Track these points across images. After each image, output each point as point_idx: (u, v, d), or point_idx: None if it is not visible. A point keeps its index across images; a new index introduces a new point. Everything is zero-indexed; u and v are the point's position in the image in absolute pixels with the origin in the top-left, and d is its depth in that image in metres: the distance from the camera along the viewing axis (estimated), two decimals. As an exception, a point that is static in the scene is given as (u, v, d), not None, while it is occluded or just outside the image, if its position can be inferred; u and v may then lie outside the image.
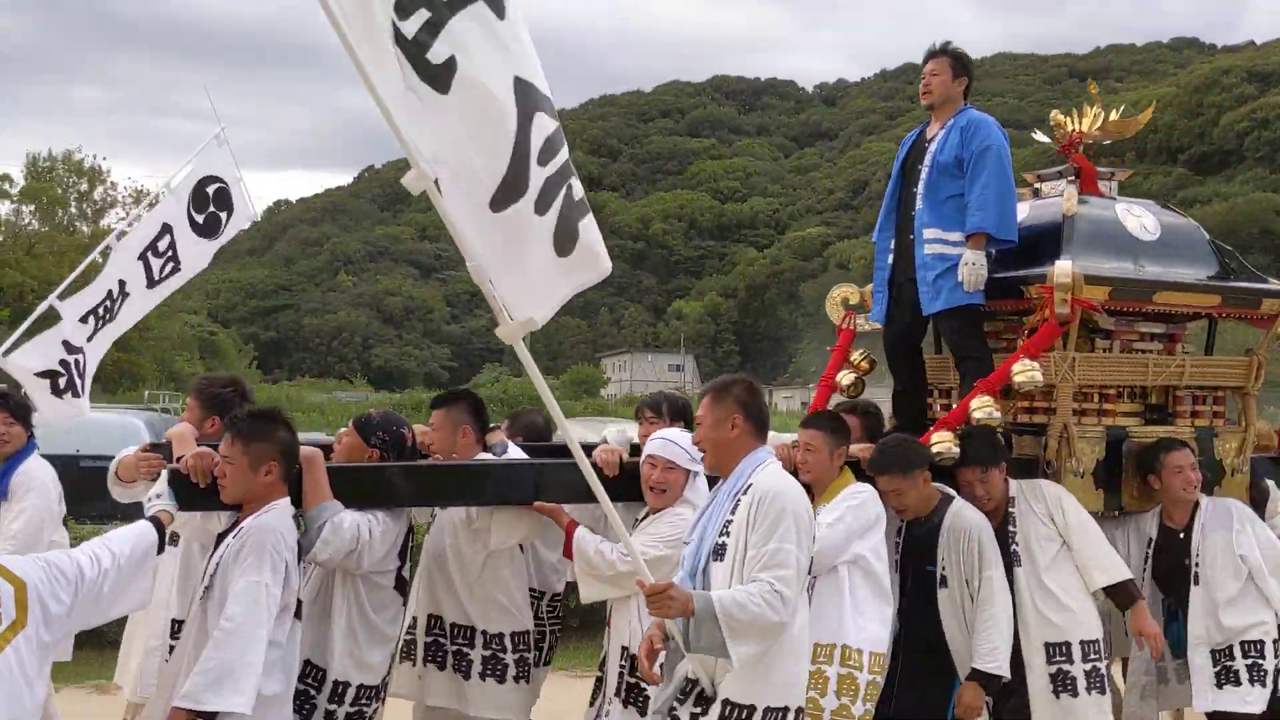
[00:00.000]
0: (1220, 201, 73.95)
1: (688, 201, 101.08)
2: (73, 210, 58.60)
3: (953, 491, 4.65)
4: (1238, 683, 4.90)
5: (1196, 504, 5.03)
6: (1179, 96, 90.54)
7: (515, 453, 4.67)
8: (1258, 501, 5.38)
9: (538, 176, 3.05)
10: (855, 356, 5.80)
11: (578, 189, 3.23)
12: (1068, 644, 4.64)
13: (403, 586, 4.11)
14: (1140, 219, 5.29)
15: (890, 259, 5.35)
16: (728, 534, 3.49)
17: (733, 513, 3.50)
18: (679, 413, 4.87)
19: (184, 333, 57.01)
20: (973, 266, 4.95)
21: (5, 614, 2.85)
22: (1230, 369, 5.36)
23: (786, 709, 3.44)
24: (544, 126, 3.06)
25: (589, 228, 3.25)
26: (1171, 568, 5.06)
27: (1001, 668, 4.42)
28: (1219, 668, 4.92)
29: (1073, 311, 4.77)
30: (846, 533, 4.24)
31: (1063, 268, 4.73)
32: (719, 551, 3.50)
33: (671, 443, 4.31)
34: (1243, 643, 4.94)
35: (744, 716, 3.39)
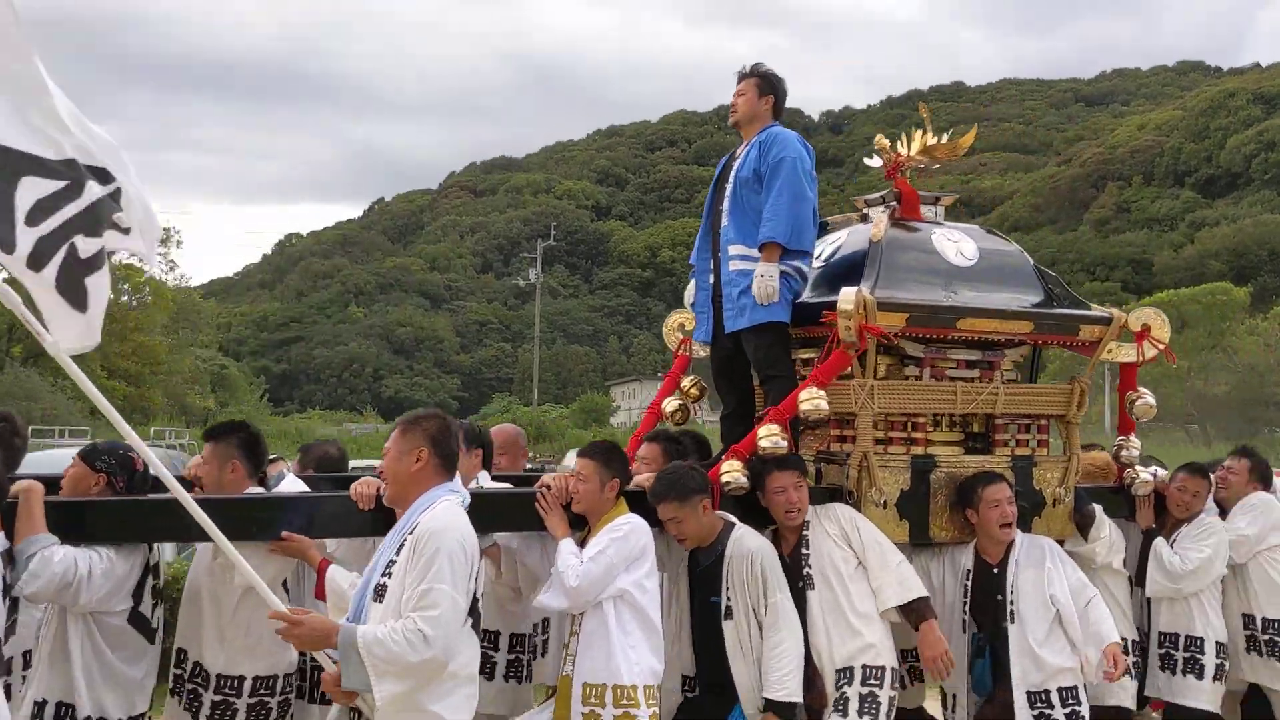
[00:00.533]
0: (1229, 224, 73.73)
1: (695, 229, 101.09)
2: None
3: (734, 519, 4.54)
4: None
5: (1013, 539, 4.92)
6: (1185, 120, 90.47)
7: (293, 485, 4.58)
8: (1082, 526, 5.27)
9: (28, 236, 3.07)
10: (685, 383, 5.72)
11: (87, 247, 3.21)
12: (850, 669, 4.52)
13: (141, 624, 4.00)
14: (958, 245, 5.19)
15: (710, 279, 5.28)
16: (389, 574, 3.41)
17: (397, 553, 3.42)
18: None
19: (195, 367, 57.35)
20: (763, 279, 4.86)
21: None
22: (1051, 397, 5.24)
23: None
24: (37, 188, 3.06)
25: (98, 289, 3.22)
26: (986, 603, 4.95)
27: (793, 694, 4.31)
28: (1036, 713, 4.79)
29: (862, 338, 4.67)
30: (608, 566, 4.12)
31: (846, 294, 4.62)
32: (379, 592, 3.42)
33: None
34: (1060, 689, 4.83)
35: None
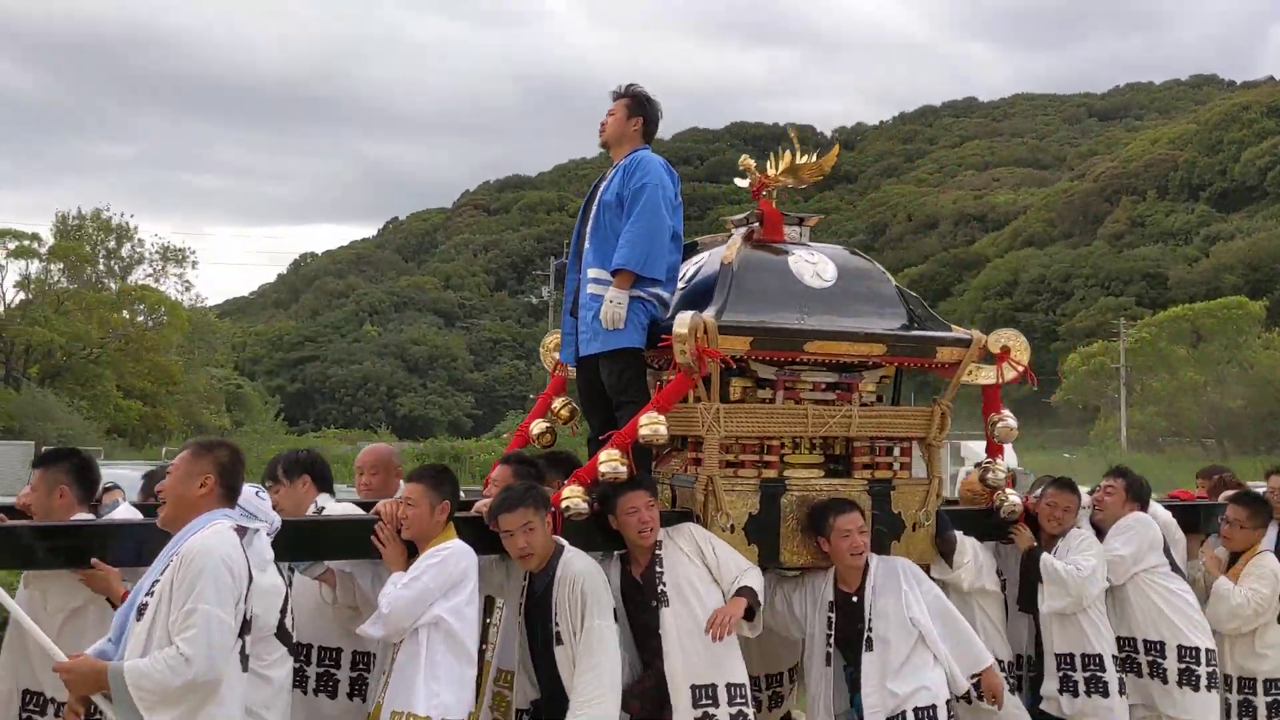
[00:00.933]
0: (1243, 238, 73.23)
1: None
2: (100, 267, 59.83)
3: (565, 542, 4.52)
4: None
5: (868, 565, 4.89)
6: (1199, 133, 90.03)
7: (127, 514, 4.58)
8: (945, 553, 5.25)
9: None
10: (557, 404, 5.73)
11: None
12: (714, 686, 4.49)
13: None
14: (816, 266, 5.17)
15: (573, 301, 5.29)
16: (152, 593, 3.41)
17: (162, 573, 3.42)
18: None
19: (210, 386, 57.69)
20: (611, 304, 4.88)
21: None
22: (910, 420, 5.21)
23: None
24: None
25: None
26: (850, 633, 4.92)
27: (604, 717, 4.28)
28: None
29: (701, 362, 4.66)
30: (421, 592, 4.10)
31: (681, 319, 4.62)
32: (141, 610, 3.42)
33: None
34: (916, 709, 4.80)
35: None
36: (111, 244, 64.17)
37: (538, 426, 5.62)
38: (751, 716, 4.56)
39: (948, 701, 4.84)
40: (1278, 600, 5.71)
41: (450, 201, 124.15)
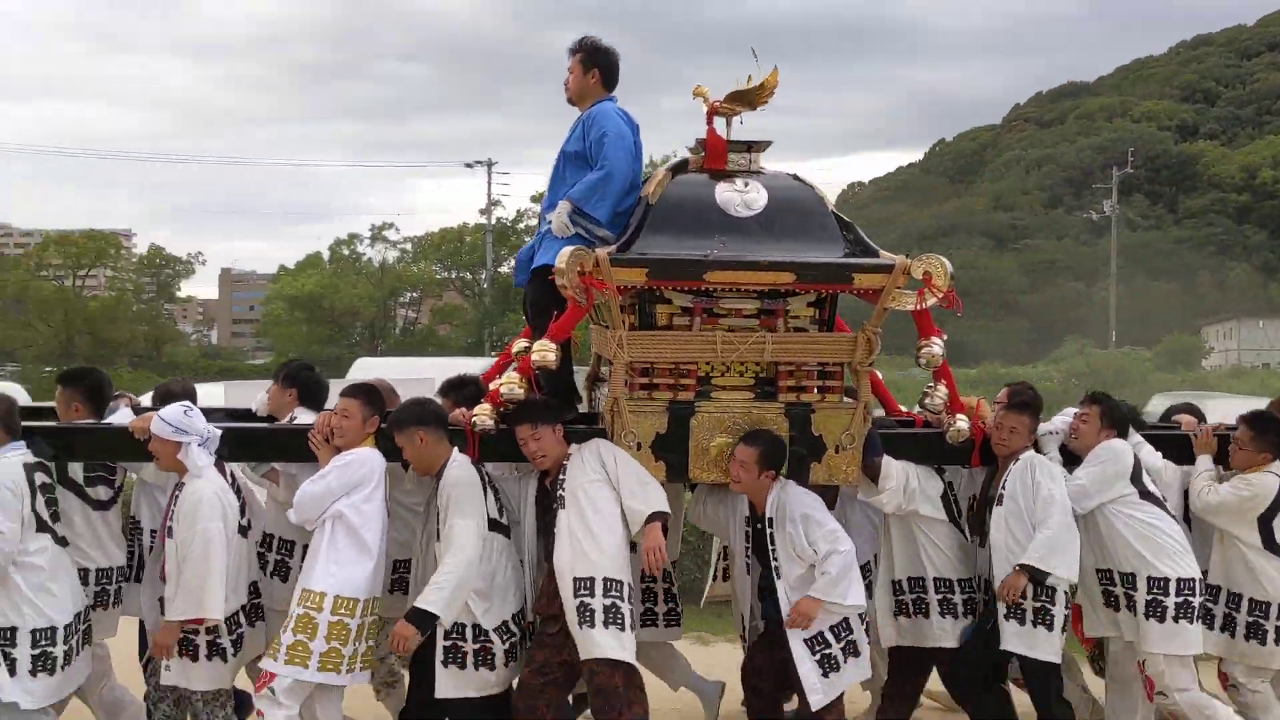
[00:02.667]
0: None
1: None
2: None
3: (455, 451, 5.23)
4: (837, 667, 5.20)
5: (766, 495, 5.26)
6: None
7: (123, 417, 5.47)
8: (870, 476, 5.42)
9: None
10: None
11: None
12: (592, 579, 5.05)
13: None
14: (745, 195, 5.44)
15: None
16: None
17: None
18: None
19: None
20: (558, 215, 5.55)
21: None
22: (833, 345, 5.40)
23: None
24: None
25: None
26: (760, 549, 5.35)
27: (434, 605, 4.92)
28: (818, 656, 5.18)
29: (588, 293, 5.22)
30: (326, 489, 5.03)
31: (561, 253, 5.21)
32: None
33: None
34: (832, 626, 5.19)
35: None
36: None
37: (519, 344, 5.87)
38: (625, 609, 5.09)
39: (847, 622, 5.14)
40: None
41: (1000, 118, 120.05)
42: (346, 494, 5.07)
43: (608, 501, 5.15)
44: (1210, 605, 5.53)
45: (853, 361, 5.38)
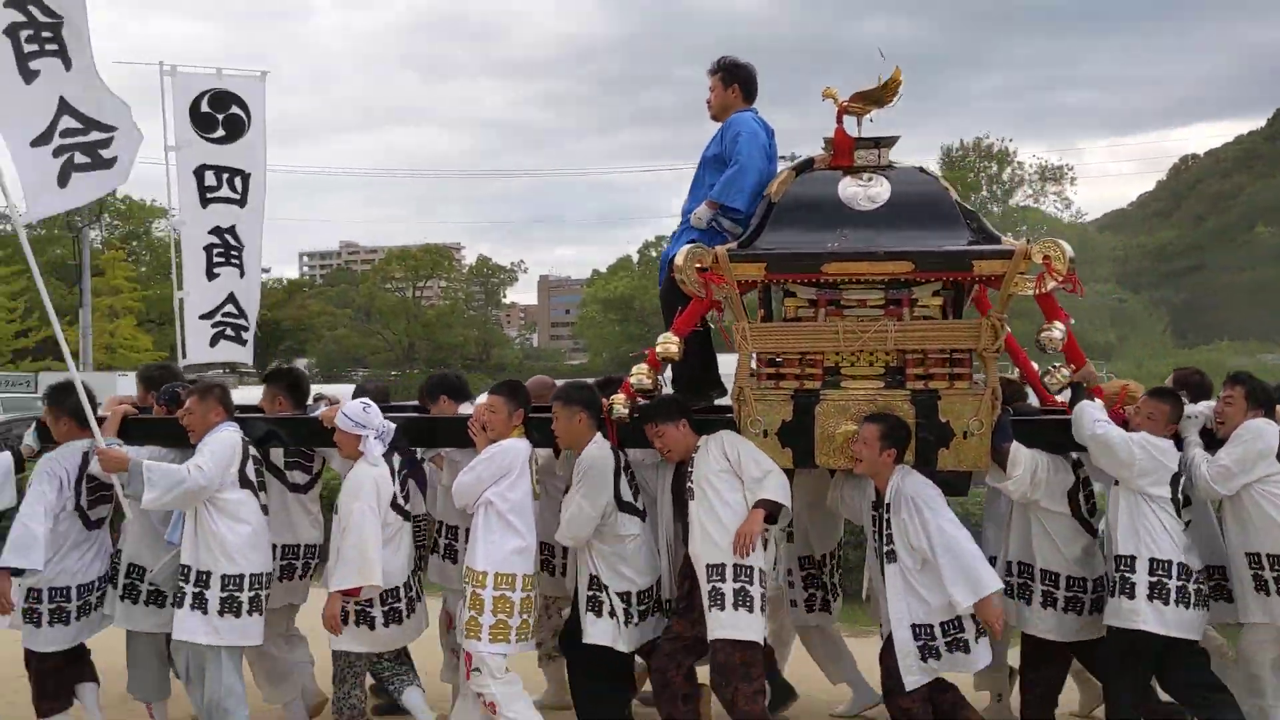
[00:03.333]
0: None
1: None
2: (984, 193, 64.33)
3: (597, 435, 5.64)
4: (939, 656, 5.23)
5: (887, 479, 5.33)
6: None
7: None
8: (999, 462, 5.37)
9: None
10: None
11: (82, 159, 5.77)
12: (723, 565, 5.33)
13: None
14: (868, 189, 5.54)
15: None
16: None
17: None
18: None
19: (1095, 301, 59.18)
20: (696, 216, 5.86)
21: None
22: (957, 332, 5.38)
23: None
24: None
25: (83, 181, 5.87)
26: (881, 533, 5.43)
27: None
28: (921, 642, 5.24)
29: (707, 288, 5.46)
30: (476, 479, 5.54)
31: (680, 251, 5.47)
32: None
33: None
34: (942, 623, 5.22)
35: None
36: (993, 169, 68.31)
37: None
38: (754, 592, 5.33)
39: (971, 617, 5.15)
40: None
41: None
42: (494, 482, 5.56)
43: (733, 491, 5.38)
44: None
45: (978, 348, 5.34)
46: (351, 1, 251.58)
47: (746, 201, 5.82)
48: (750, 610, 5.31)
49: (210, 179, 7.24)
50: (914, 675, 5.22)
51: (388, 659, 5.81)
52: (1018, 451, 5.31)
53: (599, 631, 5.56)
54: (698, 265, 5.45)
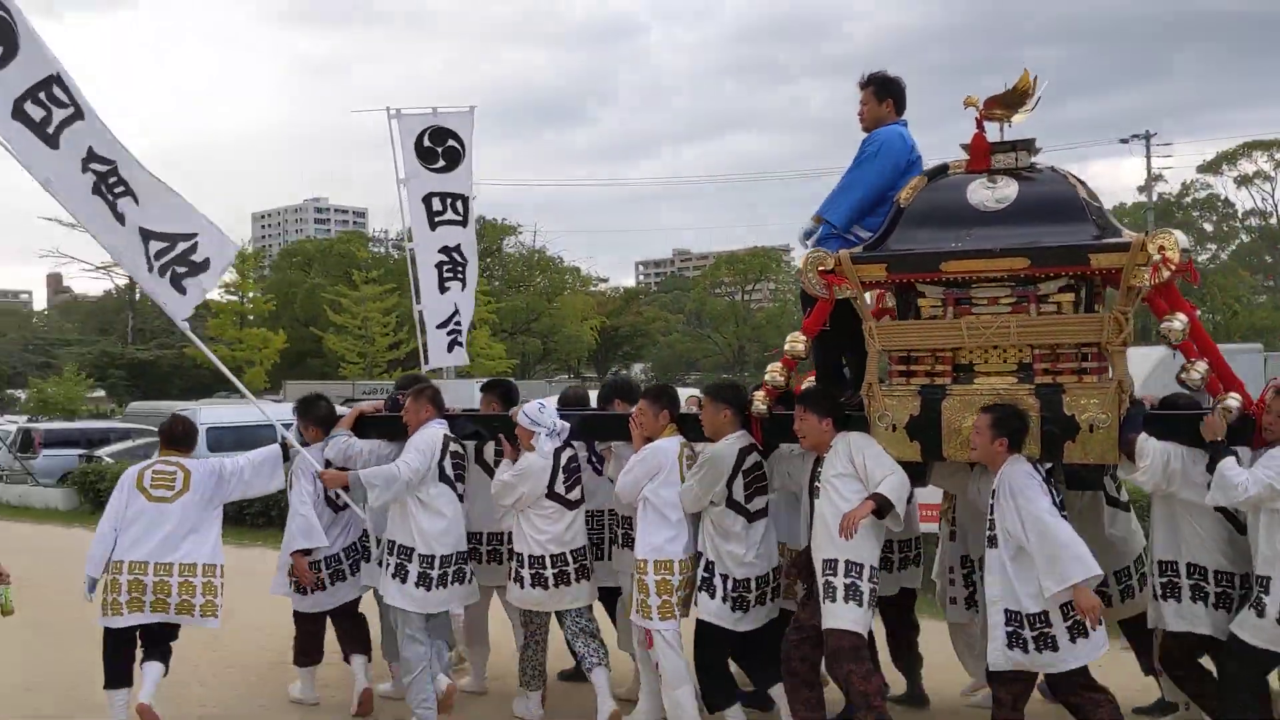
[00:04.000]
0: None
1: None
2: None
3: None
4: (1025, 649, 5.25)
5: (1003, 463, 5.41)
6: None
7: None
8: (1128, 454, 5.33)
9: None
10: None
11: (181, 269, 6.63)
12: (835, 561, 5.62)
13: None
14: (994, 191, 5.61)
15: None
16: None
17: None
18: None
19: None
20: (805, 228, 6.23)
21: (179, 485, 6.65)
22: (1080, 326, 5.37)
23: None
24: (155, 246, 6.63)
25: (194, 287, 6.74)
26: (989, 519, 5.50)
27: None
28: (1011, 628, 5.30)
29: (829, 289, 5.73)
30: (634, 480, 6.12)
31: (804, 256, 5.76)
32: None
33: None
34: (1029, 614, 5.23)
35: None
36: None
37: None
38: (864, 587, 5.58)
39: (1066, 605, 5.15)
40: None
41: None
42: (649, 480, 6.10)
43: (855, 493, 5.62)
44: None
45: (1102, 341, 5.32)
46: (680, 17, 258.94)
47: (843, 217, 6.07)
48: (860, 604, 5.57)
49: (436, 204, 8.14)
50: (998, 657, 5.28)
51: (571, 621, 6.51)
52: (1145, 443, 5.23)
53: (708, 610, 6.01)
54: (820, 268, 5.72)
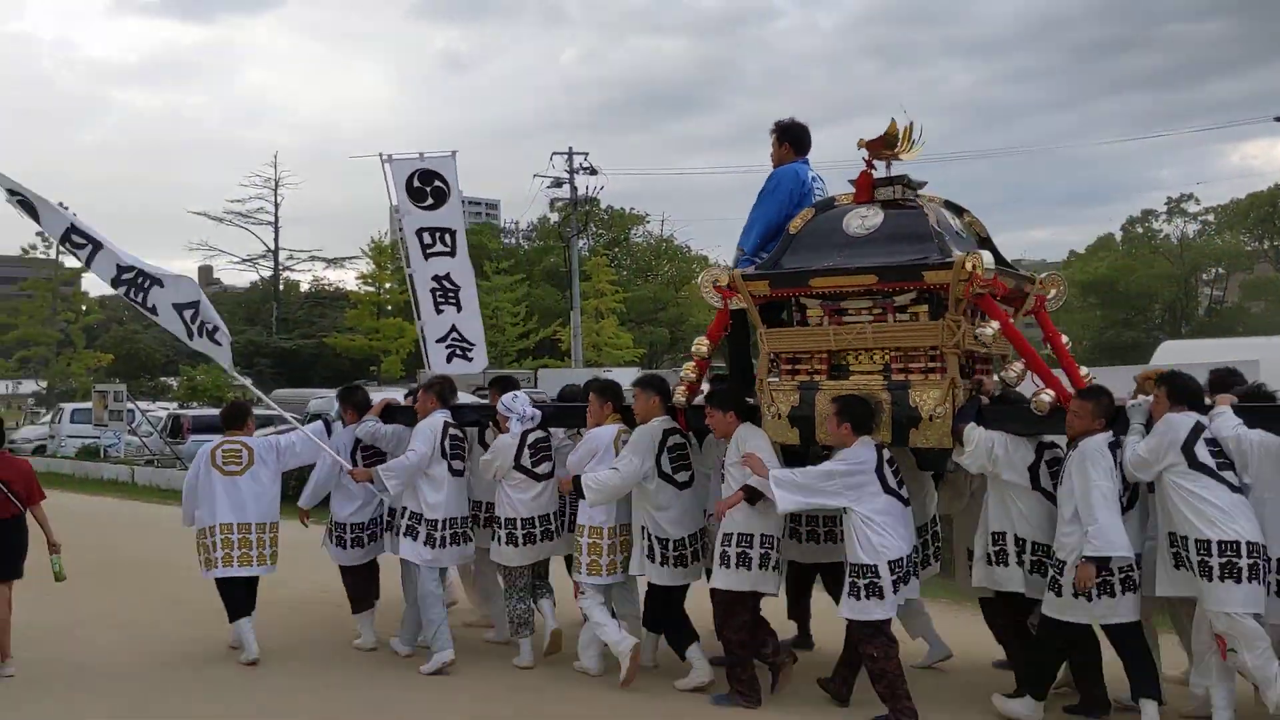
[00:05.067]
0: None
1: None
2: None
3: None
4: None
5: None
6: None
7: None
8: (958, 440, 6.40)
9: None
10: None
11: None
12: (731, 534, 6.84)
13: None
14: (865, 219, 6.74)
15: None
16: None
17: None
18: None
19: None
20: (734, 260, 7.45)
21: (245, 459, 8.40)
22: (920, 332, 6.47)
23: None
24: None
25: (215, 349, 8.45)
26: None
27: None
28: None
29: (725, 302, 6.95)
30: (579, 460, 7.42)
31: (703, 274, 6.98)
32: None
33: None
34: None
35: None
36: None
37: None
38: (754, 556, 6.77)
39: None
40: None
41: None
42: (591, 459, 7.41)
43: (738, 477, 6.83)
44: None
45: (939, 346, 6.41)
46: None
47: (752, 245, 7.32)
48: (749, 569, 6.78)
49: (427, 238, 9.60)
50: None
51: (535, 573, 7.95)
52: (971, 431, 6.30)
53: (656, 575, 7.31)
54: (715, 284, 6.95)
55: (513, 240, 66.38)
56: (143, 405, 34.02)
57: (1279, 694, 5.62)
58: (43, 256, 50.71)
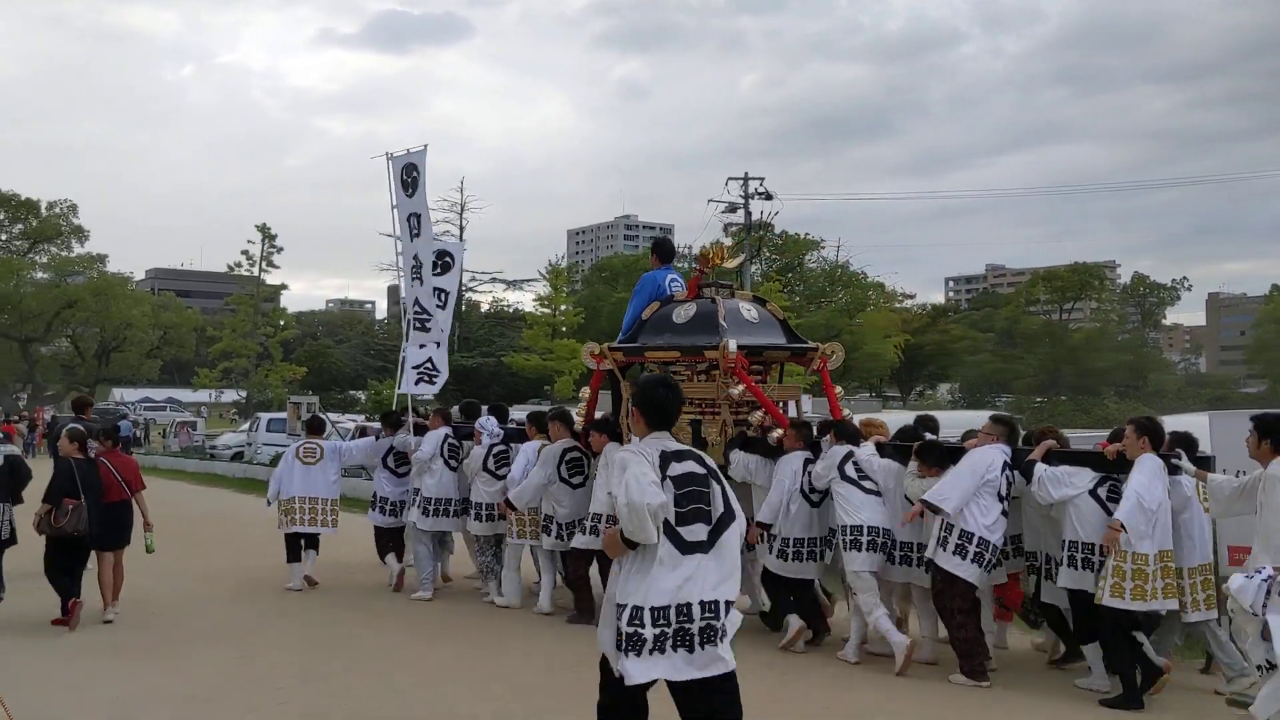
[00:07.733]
0: None
1: None
2: None
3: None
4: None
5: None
6: None
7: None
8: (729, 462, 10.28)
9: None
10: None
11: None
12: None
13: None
14: (685, 312, 10.70)
15: None
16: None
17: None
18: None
19: None
20: None
21: (318, 455, 12.96)
22: (704, 388, 10.39)
23: None
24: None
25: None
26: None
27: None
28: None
29: (599, 364, 11.02)
30: (527, 464, 11.68)
31: (584, 348, 11.09)
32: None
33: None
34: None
35: None
36: None
37: None
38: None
39: None
40: None
41: None
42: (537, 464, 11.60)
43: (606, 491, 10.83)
44: None
45: (717, 399, 10.32)
46: (1003, 23, 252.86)
47: (625, 327, 11.31)
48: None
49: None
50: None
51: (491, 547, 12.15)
52: (734, 455, 10.12)
53: (549, 544, 11.35)
54: (591, 353, 11.05)
55: (684, 265, 70.57)
56: (333, 416, 38.84)
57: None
58: (246, 274, 57.78)
